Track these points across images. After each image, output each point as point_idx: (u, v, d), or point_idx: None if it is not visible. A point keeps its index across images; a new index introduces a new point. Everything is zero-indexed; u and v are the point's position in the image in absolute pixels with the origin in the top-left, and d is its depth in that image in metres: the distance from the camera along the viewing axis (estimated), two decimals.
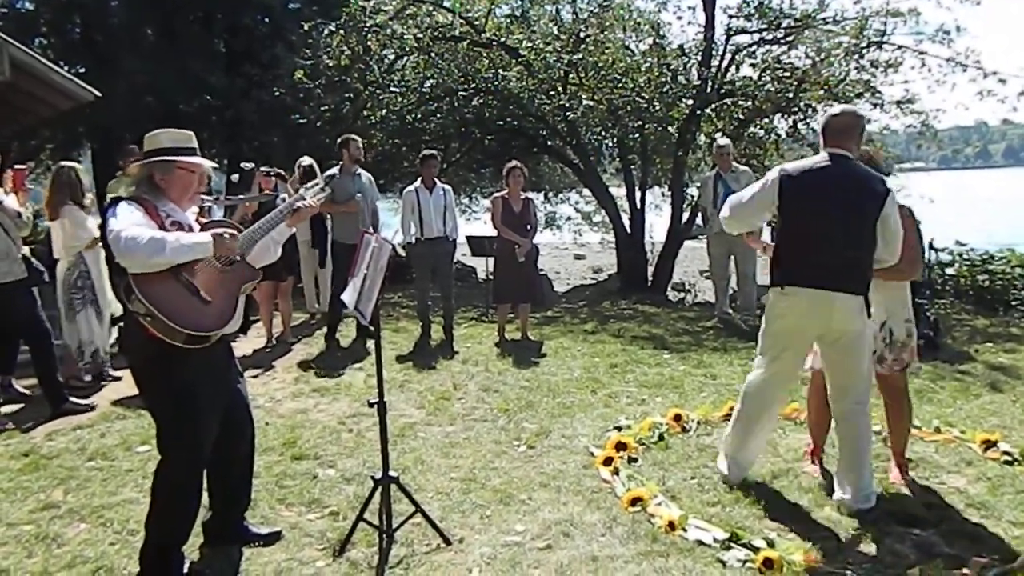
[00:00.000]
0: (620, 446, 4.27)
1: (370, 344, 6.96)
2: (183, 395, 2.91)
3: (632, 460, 4.21)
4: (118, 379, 5.96)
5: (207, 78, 13.37)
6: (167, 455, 2.99)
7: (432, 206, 7.33)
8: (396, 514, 3.35)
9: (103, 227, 2.80)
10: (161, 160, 2.98)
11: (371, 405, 3.34)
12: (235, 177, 8.41)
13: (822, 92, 10.00)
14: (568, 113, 10.53)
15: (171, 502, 3.01)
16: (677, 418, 4.75)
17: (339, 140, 7.50)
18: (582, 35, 10.88)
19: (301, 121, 11.75)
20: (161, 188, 2.99)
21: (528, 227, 7.38)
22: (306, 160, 7.98)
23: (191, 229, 2.99)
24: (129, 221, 2.74)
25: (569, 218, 18.50)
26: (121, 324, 3.04)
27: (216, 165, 3.69)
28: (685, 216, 11.36)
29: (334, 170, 7.27)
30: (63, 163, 6.10)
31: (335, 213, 7.28)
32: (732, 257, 8.27)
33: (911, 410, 3.97)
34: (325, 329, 7.54)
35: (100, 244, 5.60)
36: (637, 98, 10.43)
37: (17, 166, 5.85)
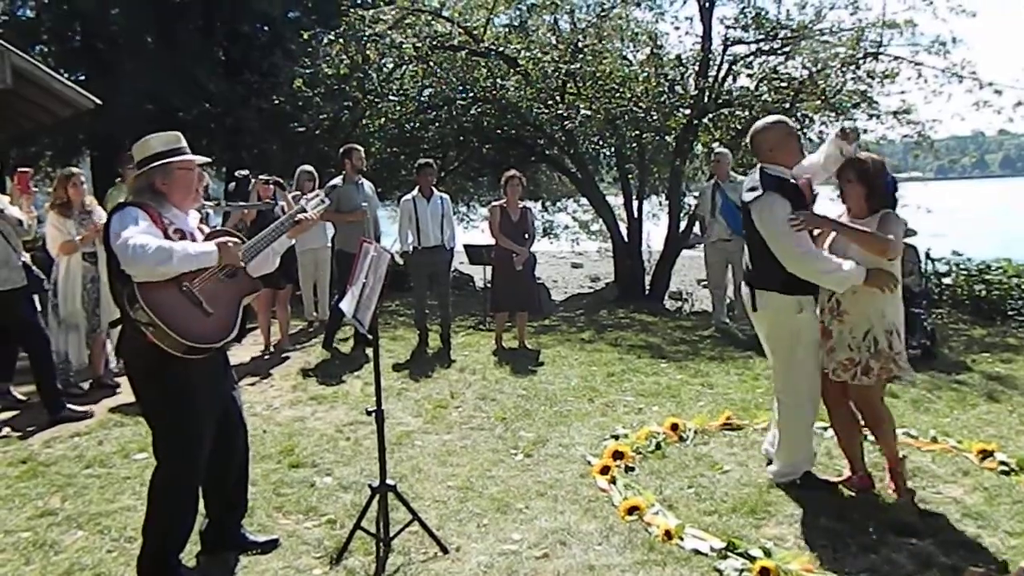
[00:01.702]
0: (617, 455, 4.27)
1: (368, 352, 6.96)
2: (180, 401, 2.92)
3: (629, 469, 4.21)
4: (117, 386, 5.96)
5: (207, 85, 13.41)
6: (164, 462, 3.00)
7: (429, 215, 7.34)
8: (393, 522, 3.35)
9: (107, 234, 2.81)
10: (161, 164, 2.99)
11: (369, 413, 3.35)
12: (231, 185, 8.42)
13: (819, 102, 10.05)
14: (566, 122, 10.56)
15: (168, 509, 3.01)
16: (674, 427, 4.76)
17: (341, 150, 7.51)
18: (580, 45, 10.92)
19: (300, 129, 11.77)
20: (164, 193, 3.00)
21: (526, 236, 7.39)
22: (306, 167, 8.03)
23: (193, 238, 3.00)
24: (136, 229, 2.75)
25: (567, 227, 18.49)
26: (119, 329, 3.04)
27: (209, 160, 3.72)
28: (682, 225, 11.38)
29: (337, 180, 7.34)
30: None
31: (341, 222, 7.29)
32: (730, 266, 8.29)
33: (891, 419, 3.88)
34: (323, 337, 7.55)
35: (77, 250, 5.67)
36: (635, 108, 10.46)
37: (21, 169, 5.86)
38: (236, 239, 2.98)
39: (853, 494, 3.84)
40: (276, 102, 12.24)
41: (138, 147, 3.04)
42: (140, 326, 2.77)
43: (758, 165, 3.88)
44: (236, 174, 8.14)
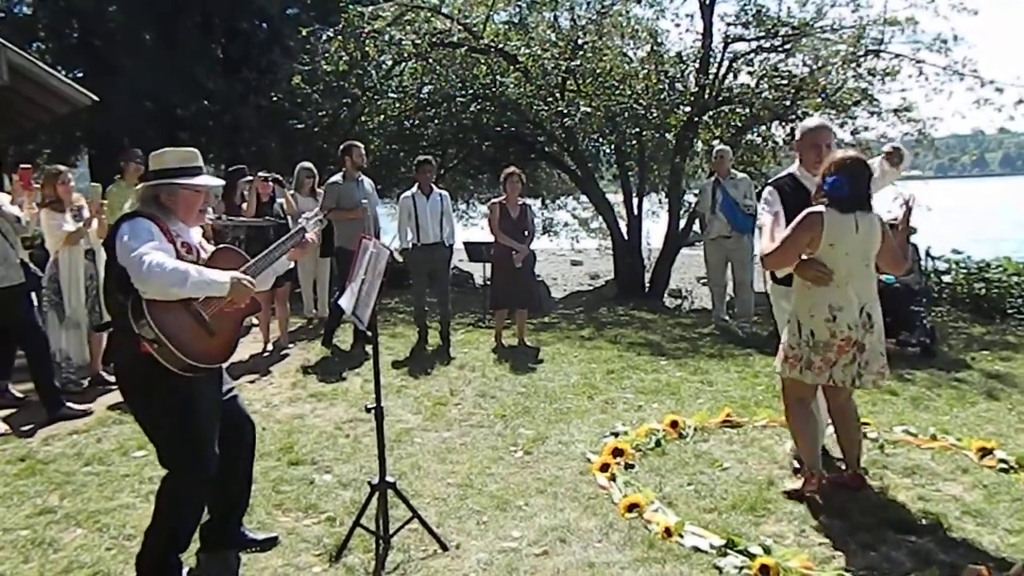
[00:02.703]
0: (617, 452, 4.26)
1: (367, 349, 6.96)
2: (180, 413, 2.90)
3: (629, 466, 4.20)
4: (114, 385, 5.95)
5: (205, 83, 13.40)
6: (176, 470, 2.98)
7: (429, 212, 7.33)
8: (393, 520, 3.35)
9: (112, 242, 2.80)
10: (166, 183, 2.99)
11: (368, 410, 3.34)
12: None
13: (819, 100, 10.04)
14: (566, 119, 10.55)
15: (175, 516, 3.00)
16: (674, 424, 4.76)
17: (342, 147, 7.49)
18: (580, 42, 10.91)
19: (299, 126, 11.75)
20: (168, 207, 3.00)
21: (525, 233, 7.38)
22: (306, 164, 8.06)
23: (199, 252, 3.01)
24: (151, 245, 2.75)
25: (566, 224, 18.48)
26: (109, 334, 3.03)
27: (221, 182, 3.79)
28: (682, 223, 11.38)
29: (337, 177, 7.33)
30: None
31: (341, 220, 7.28)
32: (729, 264, 8.29)
33: (805, 420, 3.83)
34: (322, 334, 7.54)
35: (83, 236, 5.67)
36: (635, 105, 10.46)
37: (23, 165, 5.86)
38: (248, 280, 2.95)
39: (850, 491, 3.83)
40: (275, 99, 12.23)
41: (154, 157, 3.06)
42: (143, 340, 2.75)
43: None
44: (229, 170, 8.14)
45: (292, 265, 3.46)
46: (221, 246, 3.21)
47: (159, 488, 3.01)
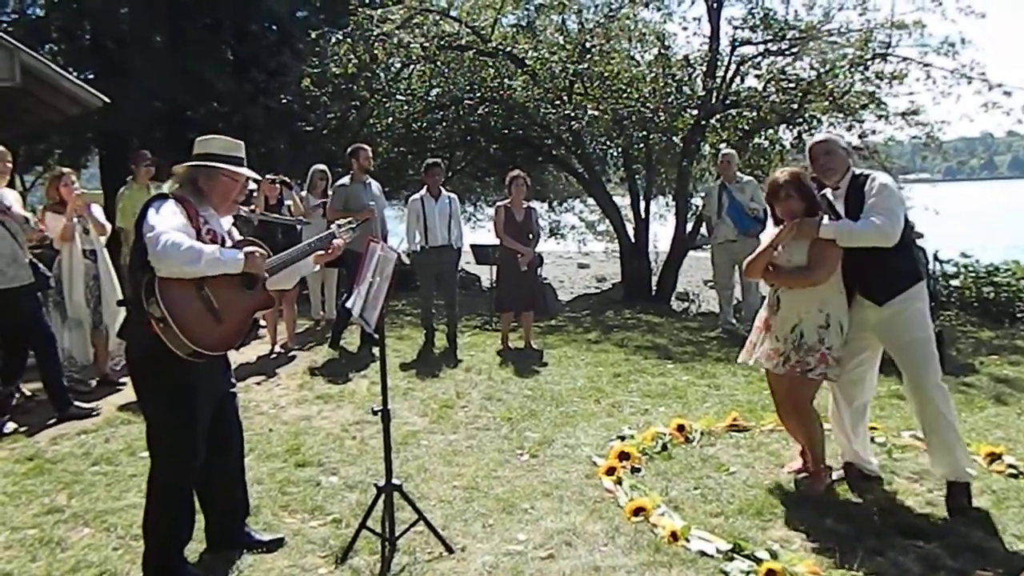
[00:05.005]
0: (623, 456, 4.26)
1: (374, 351, 6.97)
2: (182, 401, 2.92)
3: (635, 470, 4.20)
4: (124, 384, 5.98)
5: (215, 84, 13.42)
6: (161, 460, 3.00)
7: (437, 214, 7.34)
8: (399, 522, 3.35)
9: (140, 222, 2.82)
10: (207, 165, 3.03)
11: (375, 413, 3.35)
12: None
13: (827, 103, 10.03)
14: (573, 122, 10.56)
15: (168, 508, 3.02)
16: (680, 428, 4.75)
17: (348, 150, 7.51)
18: (588, 45, 10.92)
19: (307, 128, 11.79)
20: (203, 192, 3.04)
21: (531, 236, 7.39)
22: (320, 167, 8.12)
23: (224, 241, 3.03)
24: (172, 224, 2.78)
25: (573, 227, 18.50)
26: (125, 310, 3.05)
27: (259, 176, 3.83)
28: (689, 226, 11.37)
29: (344, 179, 7.35)
30: None
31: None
32: (736, 267, 8.27)
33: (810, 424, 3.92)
34: (330, 336, 7.56)
35: (69, 238, 5.70)
36: (642, 108, 10.46)
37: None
38: (263, 251, 2.99)
39: (857, 496, 3.82)
40: (284, 101, 12.27)
41: (200, 142, 3.11)
42: (151, 319, 2.77)
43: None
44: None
45: (317, 268, 3.47)
46: (246, 238, 3.24)
47: (149, 483, 3.03)
